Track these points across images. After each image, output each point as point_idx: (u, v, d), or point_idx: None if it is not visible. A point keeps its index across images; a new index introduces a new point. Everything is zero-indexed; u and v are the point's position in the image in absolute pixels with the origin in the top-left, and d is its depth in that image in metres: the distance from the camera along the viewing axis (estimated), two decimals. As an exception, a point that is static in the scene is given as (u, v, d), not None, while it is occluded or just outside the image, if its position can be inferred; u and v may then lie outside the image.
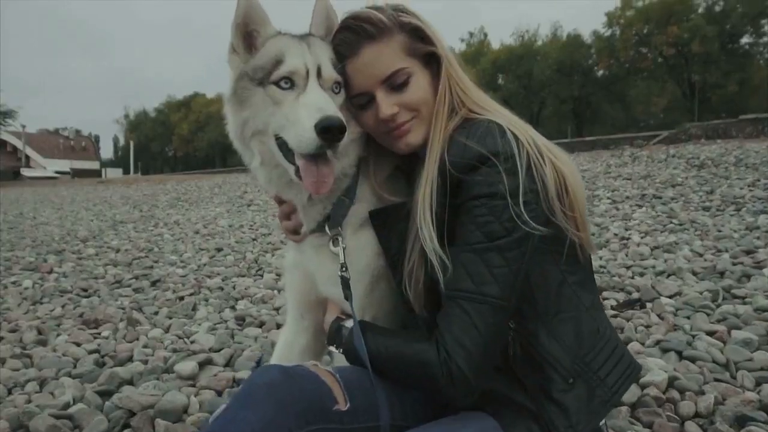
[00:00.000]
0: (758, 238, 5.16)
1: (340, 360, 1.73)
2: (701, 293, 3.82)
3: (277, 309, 4.29)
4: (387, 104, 1.69)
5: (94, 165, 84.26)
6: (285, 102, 1.64)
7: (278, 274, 5.51)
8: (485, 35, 76.34)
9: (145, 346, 3.53)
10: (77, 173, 67.33)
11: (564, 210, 1.58)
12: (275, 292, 4.83)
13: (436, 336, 1.51)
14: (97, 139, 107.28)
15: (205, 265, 6.26)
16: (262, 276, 5.53)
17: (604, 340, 1.64)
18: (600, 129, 53.37)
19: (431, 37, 1.69)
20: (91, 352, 3.47)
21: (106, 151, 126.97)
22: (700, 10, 53.41)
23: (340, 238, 1.79)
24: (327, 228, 1.80)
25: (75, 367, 3.26)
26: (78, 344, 3.63)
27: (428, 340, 1.52)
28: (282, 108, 1.64)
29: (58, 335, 3.87)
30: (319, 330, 2.02)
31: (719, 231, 5.71)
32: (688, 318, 3.40)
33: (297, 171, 1.64)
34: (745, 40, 53.99)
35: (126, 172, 70.64)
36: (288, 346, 2.10)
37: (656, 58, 55.83)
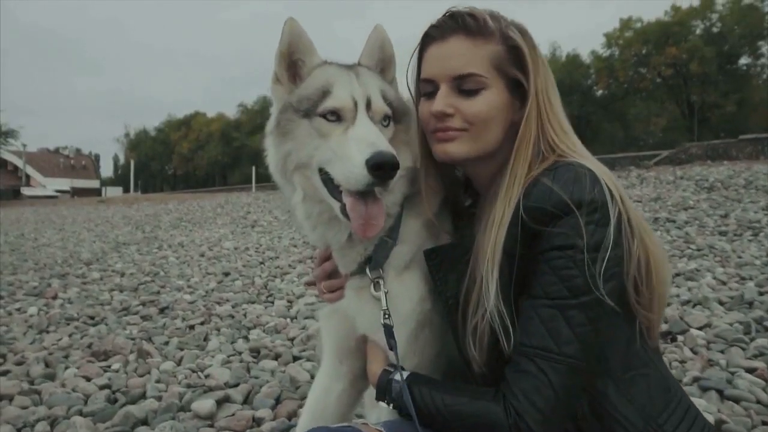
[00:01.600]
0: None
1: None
2: (731, 325, 3.70)
3: (291, 339, 4.16)
4: (444, 101, 1.57)
5: (94, 183, 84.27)
6: (332, 135, 1.54)
7: (289, 301, 5.40)
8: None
9: (157, 381, 3.40)
10: (77, 192, 67.31)
11: (639, 289, 1.48)
12: (288, 320, 4.70)
13: (503, 393, 1.39)
14: (97, 157, 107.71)
15: (213, 290, 6.13)
16: (272, 303, 5.40)
17: (676, 399, 1.51)
18: (600, 148, 53.40)
19: (528, 66, 1.54)
20: (102, 388, 3.34)
21: (106, 170, 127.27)
22: (698, 32, 53.93)
23: (381, 282, 1.68)
24: (368, 270, 1.69)
25: (86, 404, 3.13)
26: (88, 378, 3.49)
27: (494, 399, 1.40)
28: (329, 141, 1.54)
29: (66, 368, 3.73)
30: (357, 376, 1.90)
31: (740, 257, 5.60)
32: (723, 352, 3.28)
33: (343, 208, 1.52)
34: (743, 60, 54.49)
35: (126, 190, 70.50)
36: (324, 392, 1.97)
37: (655, 79, 56.25)
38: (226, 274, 6.99)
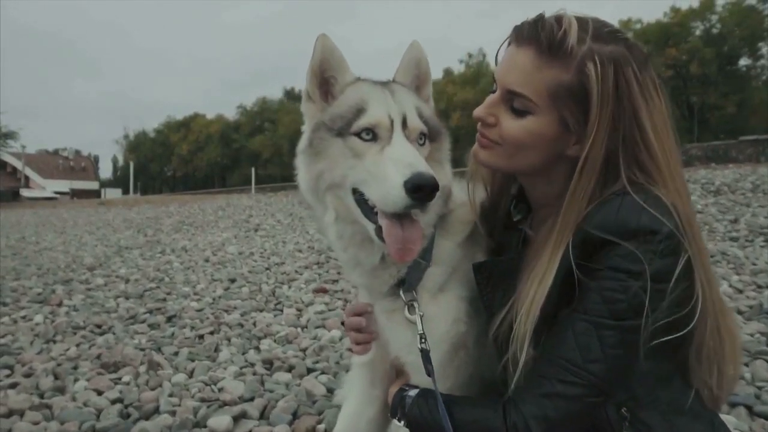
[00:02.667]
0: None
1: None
2: (752, 335, 3.65)
3: (303, 350, 4.09)
4: (487, 109, 1.53)
5: (93, 185, 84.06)
6: (367, 155, 1.49)
7: (299, 309, 5.33)
8: (484, 56, 76.98)
9: (170, 395, 3.33)
10: (76, 193, 67.16)
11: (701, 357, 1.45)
12: (299, 330, 4.64)
13: (511, 397, 1.41)
14: (96, 159, 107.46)
15: (220, 297, 6.06)
16: (281, 311, 5.34)
17: None
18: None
19: (592, 105, 1.39)
20: (114, 402, 3.28)
21: (105, 171, 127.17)
22: (698, 33, 54.05)
23: (416, 305, 1.62)
24: (402, 293, 1.64)
25: (98, 419, 3.06)
26: (99, 392, 3.43)
27: (494, 406, 1.42)
28: (363, 161, 1.49)
29: (76, 380, 3.66)
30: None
31: (754, 264, 5.54)
32: (747, 365, 3.22)
33: (378, 231, 1.47)
34: (743, 62, 54.62)
35: (125, 192, 70.46)
36: (356, 416, 1.93)
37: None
38: (233, 281, 6.92)
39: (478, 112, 1.54)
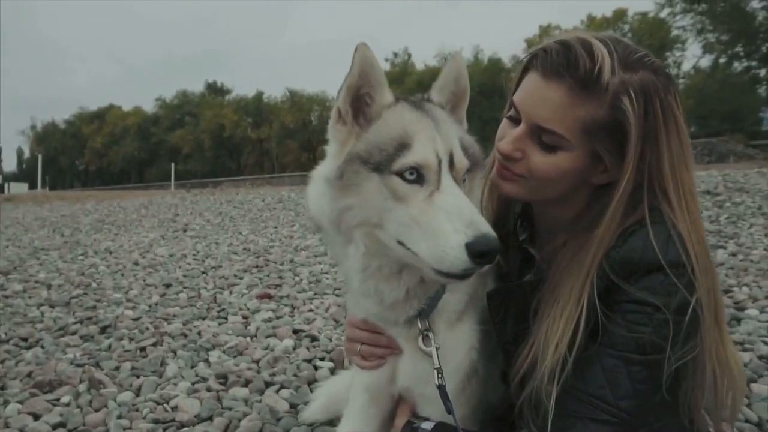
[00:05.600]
0: (727, 275, 5.29)
1: None
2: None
3: (257, 362, 3.93)
4: (514, 144, 1.44)
5: (-4, 179, 78.18)
6: (411, 200, 1.32)
7: (244, 317, 5.13)
8: (409, 56, 77.80)
9: (119, 417, 3.09)
10: (-25, 187, 62.25)
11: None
12: (248, 339, 4.46)
13: None
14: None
15: (157, 304, 5.74)
16: (226, 319, 5.11)
17: None
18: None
19: (630, 139, 1.35)
20: (55, 427, 3.01)
21: (9, 164, 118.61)
22: (610, 41, 56.95)
23: (431, 335, 1.55)
24: (419, 322, 1.56)
25: (40, 448, 2.79)
26: (36, 416, 3.13)
27: None
28: (408, 207, 1.32)
29: (6, 403, 3.33)
30: (387, 418, 1.79)
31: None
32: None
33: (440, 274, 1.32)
34: (651, 70, 57.94)
35: (32, 186, 66.00)
36: None
37: (572, 84, 58.86)
38: (168, 286, 6.58)
39: (504, 147, 1.46)
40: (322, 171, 1.52)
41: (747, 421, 2.71)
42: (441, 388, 1.48)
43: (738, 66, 29.75)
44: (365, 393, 1.78)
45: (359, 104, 1.48)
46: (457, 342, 1.59)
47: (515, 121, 1.49)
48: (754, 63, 29.97)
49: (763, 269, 5.41)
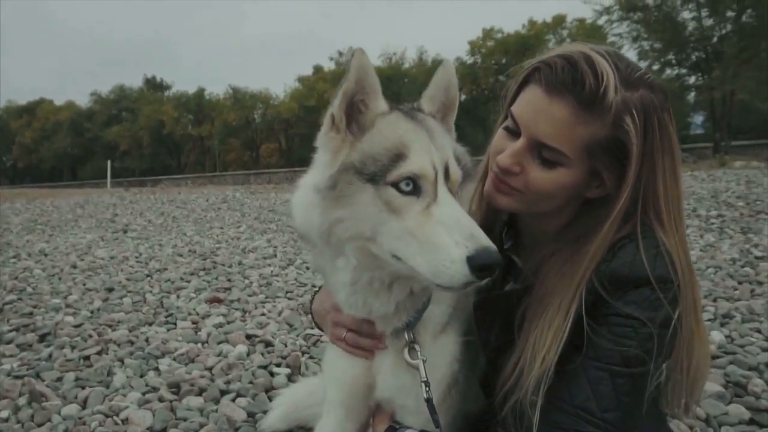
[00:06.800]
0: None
1: None
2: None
3: (210, 369, 3.81)
4: (513, 158, 1.43)
5: None
6: (408, 212, 1.29)
7: (194, 322, 4.98)
8: (353, 55, 77.56)
9: (65, 431, 2.94)
10: None
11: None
12: (199, 346, 4.32)
13: None
14: None
15: (99, 310, 5.50)
16: (175, 324, 4.95)
17: None
18: (463, 151, 56.40)
19: (628, 172, 1.37)
20: (-6, 445, 2.83)
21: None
22: (551, 45, 58.42)
23: (417, 347, 1.53)
24: (406, 334, 1.54)
25: (-21, 468, 2.62)
26: (-27, 433, 2.94)
27: None
28: (403, 220, 1.28)
29: (-63, 419, 3.11)
30: (363, 426, 1.76)
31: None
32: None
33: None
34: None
35: (-46, 184, 62.31)
36: None
37: (513, 87, 60.19)
38: (110, 290, 6.32)
39: (504, 162, 1.44)
40: (312, 180, 1.46)
41: (696, 417, 2.83)
42: (429, 401, 1.46)
43: (670, 73, 31.23)
44: (341, 408, 1.74)
45: (352, 112, 1.44)
46: (440, 353, 1.58)
47: (513, 133, 1.48)
48: (684, 70, 31.45)
49: (700, 269, 5.66)
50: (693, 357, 1.48)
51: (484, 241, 1.22)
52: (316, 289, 2.06)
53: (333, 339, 1.68)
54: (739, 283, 5.17)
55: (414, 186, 1.32)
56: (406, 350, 1.53)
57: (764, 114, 33.43)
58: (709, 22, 29.38)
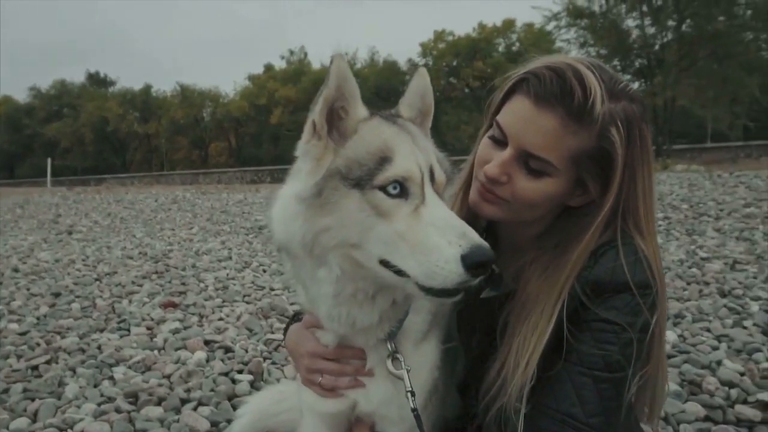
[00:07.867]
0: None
1: None
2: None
3: (168, 377, 3.69)
4: (501, 168, 1.44)
5: None
6: (396, 215, 1.27)
7: (149, 328, 4.82)
8: (305, 54, 76.99)
9: (15, 447, 2.79)
10: None
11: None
12: (156, 353, 4.18)
13: None
14: None
15: (46, 316, 5.25)
16: (128, 330, 4.77)
17: None
18: (416, 152, 56.81)
19: (616, 170, 1.40)
20: (-63, 464, 2.65)
21: None
22: (501, 49, 59.59)
23: (400, 357, 1.51)
24: (389, 345, 1.52)
25: None
26: None
27: None
28: (392, 223, 1.27)
29: None
30: None
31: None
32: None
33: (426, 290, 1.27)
34: (537, 78, 61.47)
35: None
36: None
37: (464, 89, 60.96)
38: (57, 295, 6.05)
39: (492, 172, 1.45)
40: (292, 190, 1.41)
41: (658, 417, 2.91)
42: (416, 411, 1.45)
43: (614, 78, 32.54)
44: (317, 423, 1.70)
45: (332, 118, 1.41)
46: (422, 361, 1.57)
47: (498, 142, 1.49)
48: (629, 76, 32.60)
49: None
50: (661, 362, 1.53)
51: (477, 239, 1.22)
52: (289, 319, 1.98)
53: (306, 383, 1.65)
54: (688, 283, 5.37)
55: (401, 189, 1.30)
56: (389, 360, 1.51)
57: (701, 120, 34.99)
58: (651, 30, 30.56)
